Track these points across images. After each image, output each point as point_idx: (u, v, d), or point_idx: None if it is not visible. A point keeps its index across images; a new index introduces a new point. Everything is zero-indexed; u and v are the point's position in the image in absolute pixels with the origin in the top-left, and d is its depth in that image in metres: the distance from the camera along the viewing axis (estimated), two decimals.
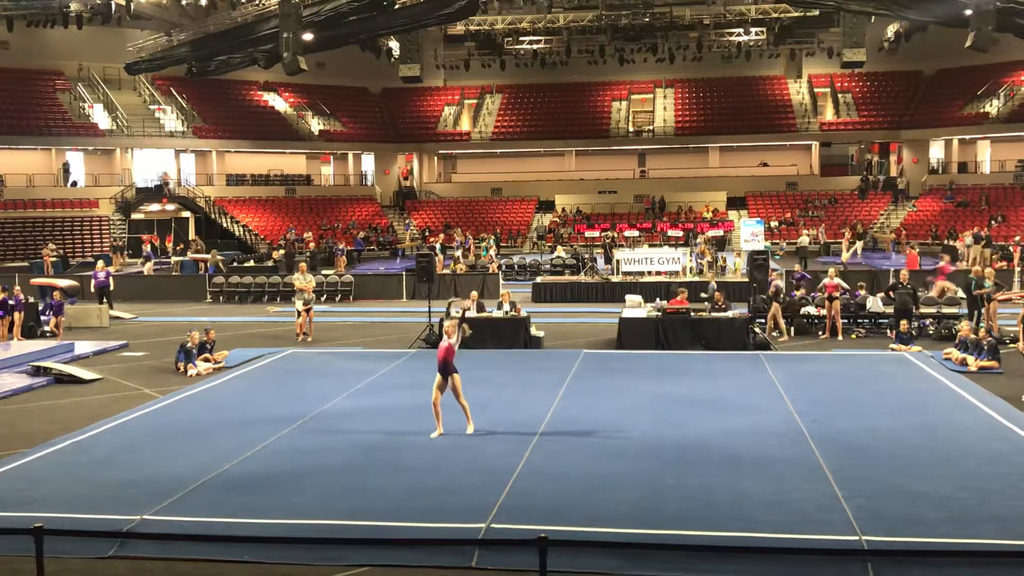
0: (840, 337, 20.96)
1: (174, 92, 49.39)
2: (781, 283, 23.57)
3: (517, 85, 56.99)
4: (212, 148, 49.70)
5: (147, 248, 40.01)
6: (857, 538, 8.84)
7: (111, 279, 27.14)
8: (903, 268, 25.82)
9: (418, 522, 9.44)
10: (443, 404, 12.75)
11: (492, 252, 38.05)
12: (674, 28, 48.14)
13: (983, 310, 20.25)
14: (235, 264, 35.87)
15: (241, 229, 46.30)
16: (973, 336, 17.81)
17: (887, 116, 51.91)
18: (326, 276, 30.94)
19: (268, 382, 17.04)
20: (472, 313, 21.18)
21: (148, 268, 36.12)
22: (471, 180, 56.23)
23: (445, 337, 12.67)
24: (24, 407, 15.51)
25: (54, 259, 36.52)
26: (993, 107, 47.70)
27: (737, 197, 51.00)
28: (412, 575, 8.52)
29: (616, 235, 43.18)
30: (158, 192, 46.54)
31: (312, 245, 42.99)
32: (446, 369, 12.47)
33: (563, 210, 50.97)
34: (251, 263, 36.33)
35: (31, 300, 24.27)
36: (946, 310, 22.04)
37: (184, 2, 41.89)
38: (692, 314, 20.63)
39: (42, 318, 24.02)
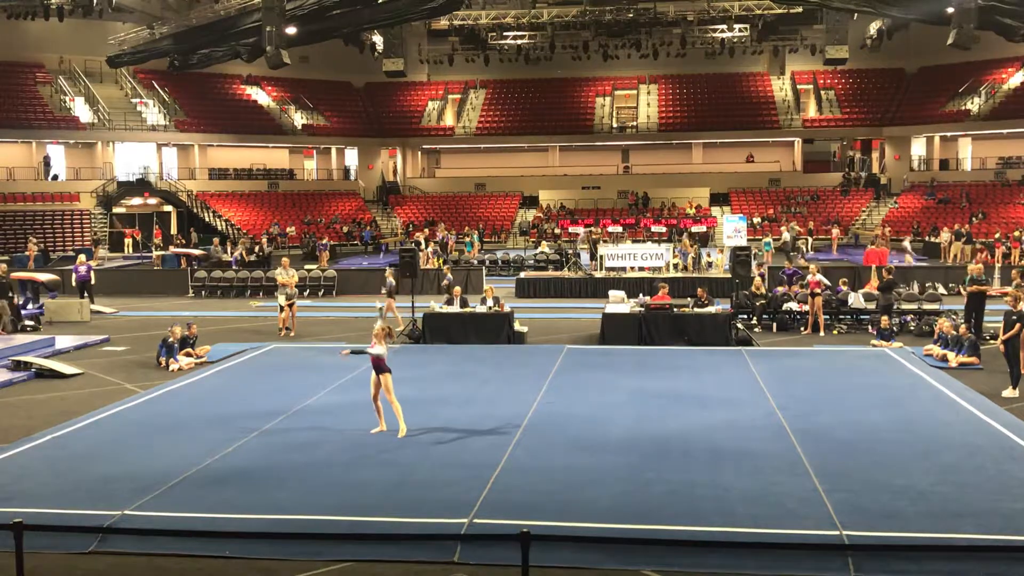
0: (822, 333, 21.08)
1: (156, 85, 49.10)
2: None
3: (501, 80, 56.93)
4: (194, 142, 49.45)
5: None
6: (837, 532, 8.89)
7: (92, 273, 26.99)
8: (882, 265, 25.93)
9: (400, 517, 9.43)
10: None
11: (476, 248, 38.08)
12: (658, 24, 48.20)
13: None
14: (218, 259, 35.69)
15: (223, 223, 46.09)
16: (953, 332, 17.93)
17: (869, 113, 52.14)
18: (309, 271, 30.86)
19: (250, 377, 16.99)
20: (455, 308, 21.22)
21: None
22: (455, 175, 56.14)
23: (373, 341, 12.61)
24: (4, 402, 15.41)
25: (35, 253, 36.28)
26: (974, 104, 47.98)
27: (720, 193, 51.16)
28: (394, 570, 8.53)
29: (600, 231, 43.15)
30: (140, 186, 46.27)
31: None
32: (378, 368, 12.47)
33: (547, 206, 50.97)
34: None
35: (11, 294, 24.10)
36: (927, 306, 22.22)
37: None
38: (675, 310, 20.69)
39: (22, 312, 23.86)
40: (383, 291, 23.89)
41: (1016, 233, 35.69)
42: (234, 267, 32.46)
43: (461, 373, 16.94)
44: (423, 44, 53.57)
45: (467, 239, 40.66)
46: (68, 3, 40.44)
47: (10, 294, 22.94)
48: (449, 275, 25.09)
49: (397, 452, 11.82)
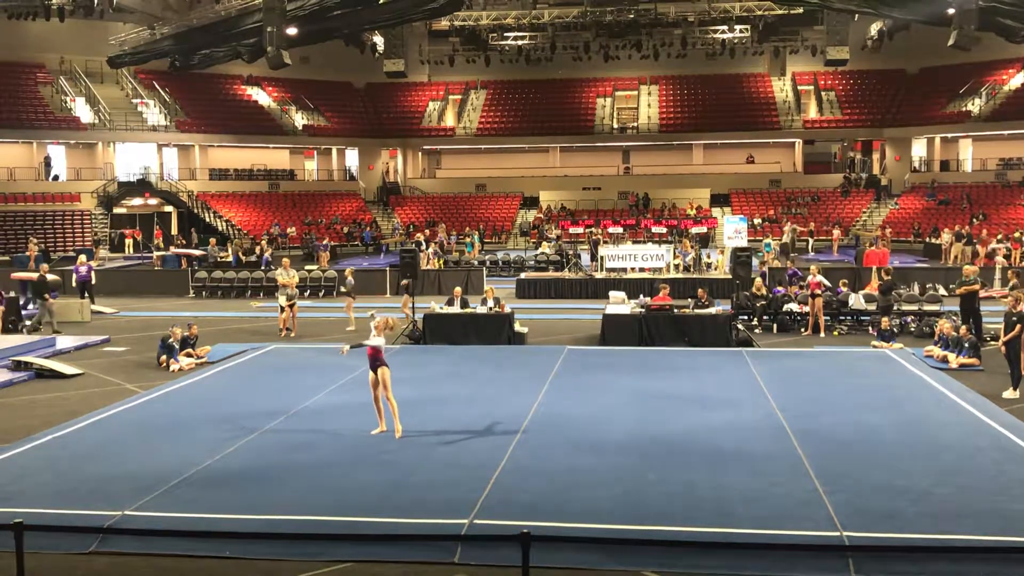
0: (822, 334, 21.07)
1: (157, 86, 49.10)
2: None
3: (502, 81, 56.93)
4: (195, 142, 49.43)
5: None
6: (838, 533, 8.89)
7: (93, 273, 26.99)
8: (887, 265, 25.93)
9: (400, 518, 9.44)
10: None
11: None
12: (659, 25, 48.18)
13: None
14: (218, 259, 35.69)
15: (224, 224, 46.08)
16: (954, 333, 17.92)
17: (870, 114, 52.12)
18: (309, 271, 30.87)
19: (251, 377, 16.99)
20: (456, 309, 21.22)
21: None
22: (455, 176, 56.10)
23: (373, 332, 12.63)
24: (5, 402, 15.42)
25: (36, 253, 36.27)
26: (975, 105, 47.96)
27: (721, 194, 51.12)
28: (395, 571, 8.53)
29: (601, 231, 43.11)
30: (140, 186, 46.28)
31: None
32: (375, 364, 12.47)
33: (548, 207, 50.96)
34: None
35: (12, 294, 24.12)
36: (927, 308, 22.21)
37: None
38: (675, 310, 20.69)
39: (23, 312, 23.88)
40: (342, 289, 23.89)
41: (1016, 234, 35.68)
42: (265, 268, 32.17)
43: (461, 374, 16.94)
44: (424, 45, 53.57)
45: (468, 240, 40.66)
46: (69, 3, 40.43)
47: (52, 294, 23.01)
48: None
49: (397, 453, 11.82)
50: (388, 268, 30.68)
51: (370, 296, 29.06)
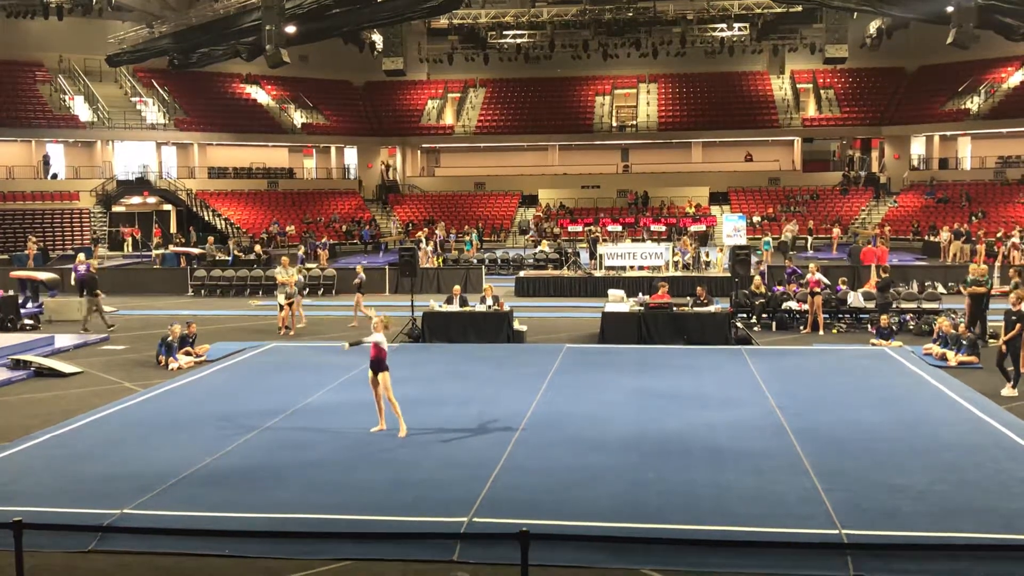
0: (821, 332, 21.07)
1: (156, 84, 49.07)
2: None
3: (501, 79, 56.90)
4: (194, 141, 49.40)
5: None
6: (837, 531, 8.89)
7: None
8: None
9: (400, 516, 9.44)
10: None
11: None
12: (657, 23, 48.24)
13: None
14: (217, 258, 35.69)
15: (223, 222, 46.06)
16: (953, 331, 17.92)
17: (869, 112, 52.11)
18: (308, 270, 30.85)
19: (250, 376, 16.99)
20: (455, 307, 21.22)
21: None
22: (454, 174, 56.11)
23: (373, 332, 12.65)
24: (4, 400, 15.40)
25: (35, 252, 36.26)
26: (974, 104, 47.96)
27: (720, 192, 51.13)
28: (394, 569, 8.53)
29: (600, 229, 43.12)
30: (139, 185, 46.26)
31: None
32: (377, 366, 12.48)
33: (547, 205, 50.95)
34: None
35: (11, 293, 24.10)
36: (926, 305, 22.23)
37: None
38: (674, 309, 20.68)
39: (22, 311, 23.85)
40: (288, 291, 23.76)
41: (1017, 231, 35.68)
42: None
43: (460, 372, 16.94)
44: (423, 43, 53.58)
45: (467, 238, 40.65)
46: (68, 2, 40.42)
47: (97, 291, 22.94)
48: (362, 274, 24.50)
49: (397, 451, 11.83)
50: (387, 266, 30.66)
51: (370, 295, 29.05)
